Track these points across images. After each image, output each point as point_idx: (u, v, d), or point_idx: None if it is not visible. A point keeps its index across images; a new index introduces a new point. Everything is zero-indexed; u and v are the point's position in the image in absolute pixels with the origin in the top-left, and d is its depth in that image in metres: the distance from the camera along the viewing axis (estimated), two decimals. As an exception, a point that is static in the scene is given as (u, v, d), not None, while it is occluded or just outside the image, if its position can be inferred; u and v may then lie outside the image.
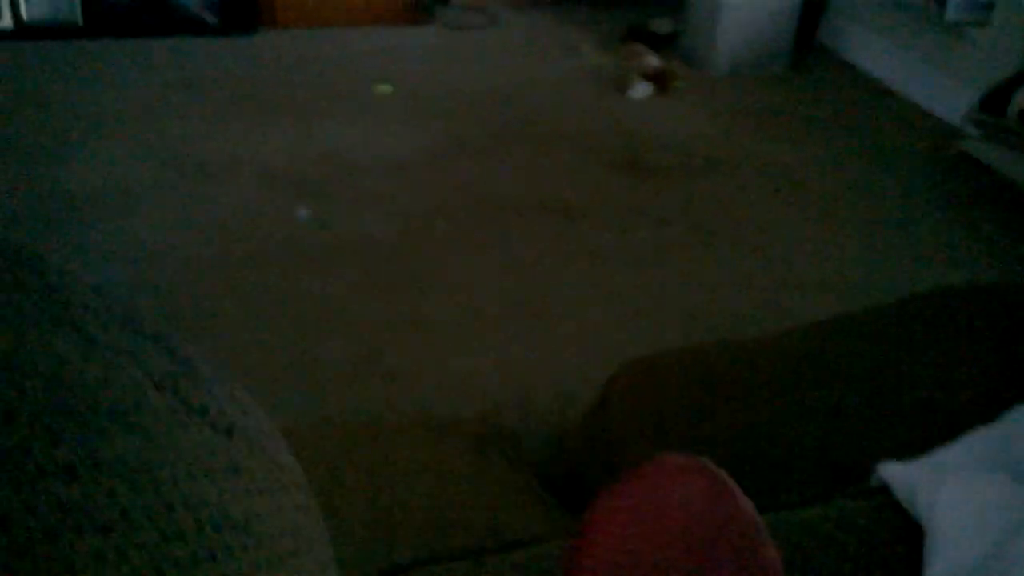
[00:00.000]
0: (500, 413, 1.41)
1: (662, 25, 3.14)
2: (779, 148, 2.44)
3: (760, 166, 2.34)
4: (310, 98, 2.55)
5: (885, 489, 0.72)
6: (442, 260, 1.86)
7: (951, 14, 2.58)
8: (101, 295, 0.31)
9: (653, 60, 2.88)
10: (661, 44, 3.05)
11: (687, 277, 1.86)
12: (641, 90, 2.69)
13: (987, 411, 0.98)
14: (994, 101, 2.23)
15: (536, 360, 1.58)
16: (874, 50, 2.99)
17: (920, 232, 2.07)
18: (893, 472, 0.71)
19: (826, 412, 1.14)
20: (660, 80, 2.74)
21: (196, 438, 0.30)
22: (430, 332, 1.63)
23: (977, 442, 0.74)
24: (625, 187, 2.19)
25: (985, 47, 2.52)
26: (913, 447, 1.04)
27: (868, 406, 1.15)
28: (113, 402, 0.28)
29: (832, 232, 2.06)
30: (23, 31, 2.85)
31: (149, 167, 2.14)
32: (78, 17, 2.90)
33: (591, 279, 1.83)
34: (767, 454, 1.05)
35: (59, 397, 0.26)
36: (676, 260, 1.91)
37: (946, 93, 2.64)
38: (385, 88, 2.63)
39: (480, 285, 1.79)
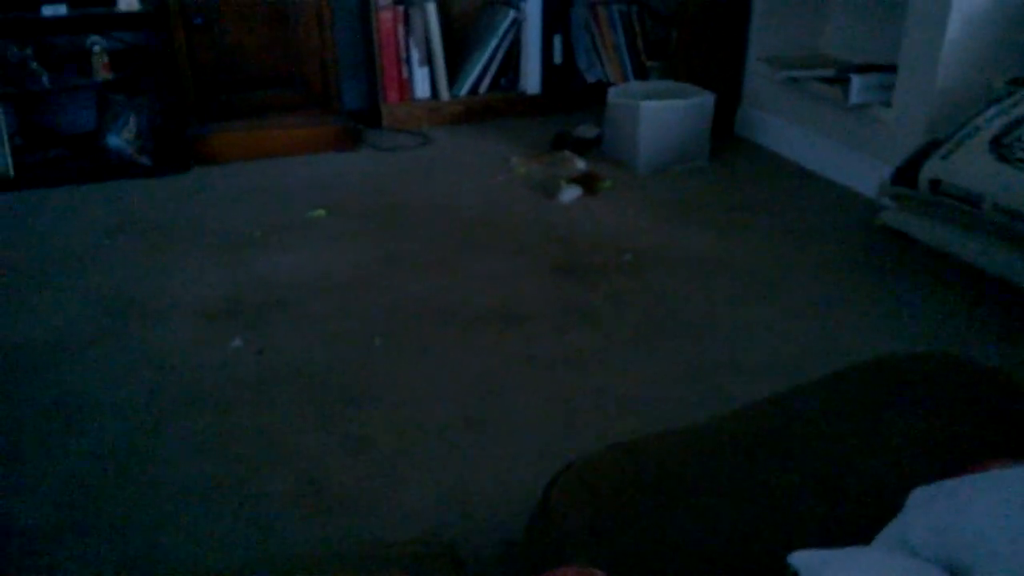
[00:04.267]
0: (442, 530, 1.37)
1: (586, 130, 3.26)
2: (706, 237, 2.50)
3: (690, 256, 2.39)
4: (245, 229, 2.57)
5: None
6: (381, 378, 1.85)
7: (854, 98, 2.72)
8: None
9: (580, 164, 2.98)
10: (587, 148, 3.15)
11: (626, 372, 1.86)
12: (570, 194, 2.76)
13: (926, 482, 0.98)
14: (906, 174, 2.33)
15: (480, 471, 1.56)
16: (789, 136, 3.12)
17: (851, 305, 2.12)
18: (802, 559, 0.71)
19: (767, 495, 1.13)
20: (588, 183, 2.82)
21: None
22: (370, 454, 1.60)
23: (882, 537, 0.75)
24: (561, 289, 2.22)
25: (891, 125, 2.65)
26: (854, 525, 1.04)
27: (810, 486, 1.14)
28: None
29: (765, 313, 2.09)
30: (-47, 189, 2.87)
31: (84, 314, 2.11)
32: (10, 170, 2.92)
33: (533, 383, 1.83)
34: (705, 545, 1.03)
35: None
36: (614, 356, 1.92)
37: (862, 170, 2.75)
38: (320, 213, 2.66)
39: (420, 400, 1.77)
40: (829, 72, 2.88)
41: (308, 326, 2.05)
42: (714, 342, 1.98)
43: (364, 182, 2.94)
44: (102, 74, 2.97)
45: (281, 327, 2.05)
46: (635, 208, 2.71)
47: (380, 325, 2.05)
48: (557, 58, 3.61)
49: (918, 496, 0.85)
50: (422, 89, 3.50)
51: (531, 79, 3.59)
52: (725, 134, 3.27)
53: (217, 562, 1.37)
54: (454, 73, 3.56)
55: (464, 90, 3.56)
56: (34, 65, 2.94)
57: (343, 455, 1.60)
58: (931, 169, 2.20)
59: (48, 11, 2.84)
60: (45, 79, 2.93)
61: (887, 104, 2.67)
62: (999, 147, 2.10)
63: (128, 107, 3.06)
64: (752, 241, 2.47)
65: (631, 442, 1.28)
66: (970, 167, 2.11)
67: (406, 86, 3.48)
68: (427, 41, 3.44)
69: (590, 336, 2.00)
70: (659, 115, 2.96)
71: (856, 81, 2.71)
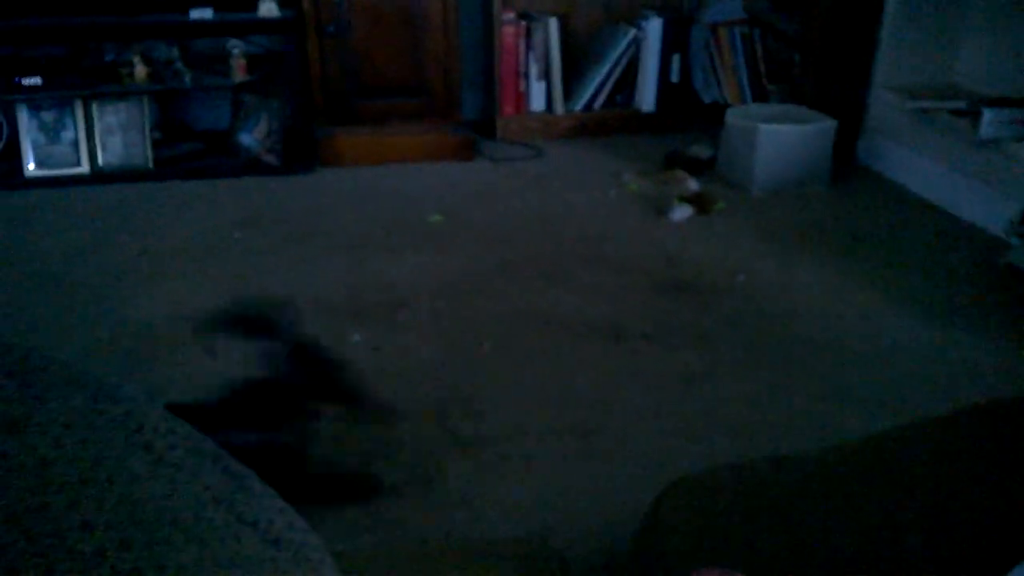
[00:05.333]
0: (548, 536, 1.40)
1: (700, 150, 3.24)
2: (822, 264, 2.46)
3: (803, 282, 2.36)
4: (366, 230, 2.67)
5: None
6: (491, 381, 1.90)
7: (985, 131, 2.63)
8: (168, 420, 0.36)
9: (692, 184, 2.97)
10: (700, 168, 3.14)
11: (735, 394, 1.86)
12: (681, 213, 2.76)
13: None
14: (1036, 213, 2.25)
15: (586, 481, 1.58)
16: (913, 167, 3.03)
17: (970, 345, 2.05)
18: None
19: (880, 528, 1.12)
20: (700, 203, 2.82)
21: (248, 548, 0.34)
22: (479, 454, 1.65)
23: None
24: (670, 307, 2.22)
25: (1022, 161, 2.55)
26: (967, 564, 1.02)
27: (923, 521, 1.13)
28: (176, 514, 0.31)
29: (880, 346, 2.05)
30: (98, 176, 3.07)
31: (211, 303, 2.24)
32: (149, 162, 3.12)
33: (639, 398, 1.84)
34: (818, 572, 1.03)
35: (130, 509, 0.30)
36: (723, 378, 1.92)
37: (988, 206, 2.66)
38: (437, 218, 2.74)
39: (528, 405, 1.81)
40: (959, 104, 2.79)
41: (423, 326, 2.12)
42: (826, 370, 1.95)
43: (479, 191, 3.01)
44: (238, 76, 3.14)
45: (397, 326, 2.12)
46: (748, 231, 2.69)
47: (490, 330, 2.10)
48: (674, 77, 3.61)
49: None
50: (538, 103, 3.56)
51: (647, 97, 3.60)
52: (846, 162, 3.20)
53: (332, 549, 1.44)
54: (570, 88, 3.60)
55: (579, 105, 3.60)
56: (179, 65, 3.13)
57: (453, 453, 1.66)
58: (1067, 209, 2.11)
59: (195, 15, 3.03)
60: (188, 78, 3.11)
61: (1020, 139, 2.58)
62: None
63: (260, 108, 3.23)
64: (869, 272, 2.42)
65: (742, 463, 1.29)
66: (1111, 209, 2.02)
67: (522, 99, 3.54)
68: (546, 56, 3.50)
69: (699, 355, 2.00)
70: (778, 139, 2.92)
71: (988, 114, 2.62)
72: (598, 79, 3.57)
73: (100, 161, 3.10)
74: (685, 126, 3.62)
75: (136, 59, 3.06)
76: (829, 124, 2.97)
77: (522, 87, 3.53)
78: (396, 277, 2.38)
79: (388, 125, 3.27)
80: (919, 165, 3.00)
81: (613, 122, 3.62)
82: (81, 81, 3.05)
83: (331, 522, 1.48)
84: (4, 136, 3.13)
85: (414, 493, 1.54)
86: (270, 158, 3.18)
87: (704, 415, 1.78)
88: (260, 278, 2.37)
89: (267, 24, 3.09)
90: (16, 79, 2.93)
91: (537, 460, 1.64)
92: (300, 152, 3.18)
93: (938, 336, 2.09)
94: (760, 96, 3.59)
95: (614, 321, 2.15)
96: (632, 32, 3.52)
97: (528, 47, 3.48)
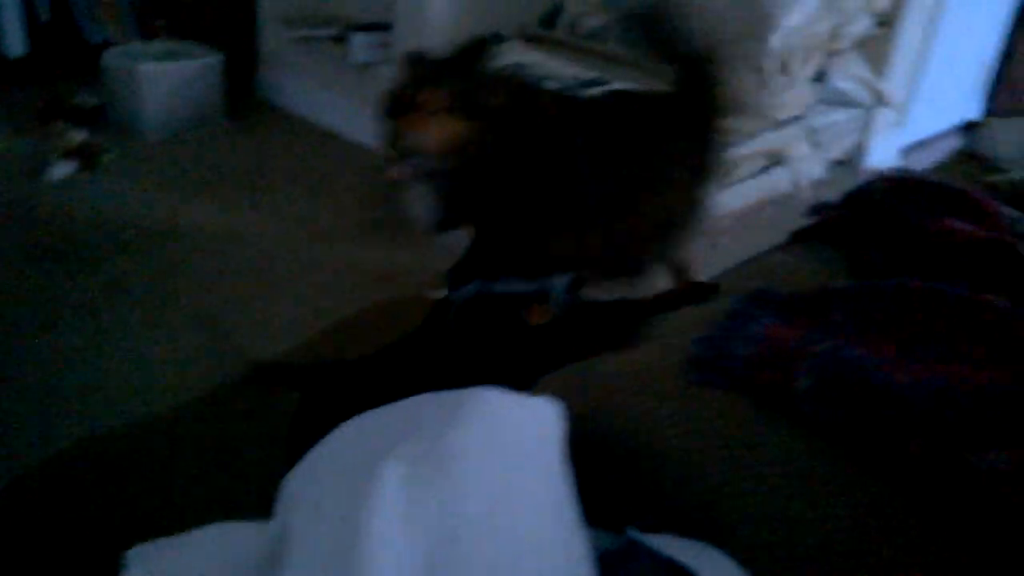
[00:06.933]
0: None
1: (86, 98, 2.93)
2: (222, 205, 2.41)
3: (201, 227, 2.28)
4: None
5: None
6: None
7: (355, 57, 2.78)
8: None
9: (76, 135, 2.67)
10: (87, 118, 2.84)
11: (123, 362, 1.72)
12: (63, 169, 2.47)
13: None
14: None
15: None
16: (305, 95, 3.12)
17: (366, 258, 2.17)
18: (137, 553, 0.68)
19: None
20: (86, 156, 2.55)
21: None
22: None
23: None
24: (47, 278, 1.98)
25: (389, 82, 2.75)
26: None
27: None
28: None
29: (277, 281, 2.07)
30: None
31: None
32: None
33: (19, 390, 1.61)
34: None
35: None
36: (111, 348, 1.76)
37: (370, 127, 2.83)
38: None
39: None
40: (333, 31, 2.91)
41: None
42: (216, 315, 1.91)
43: None
44: None
45: None
46: (142, 181, 2.51)
47: None
48: (44, 15, 3.18)
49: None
50: None
51: (13, 39, 3.13)
52: (245, 96, 3.17)
53: None
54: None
55: (-75, 54, 2.99)
56: None
57: None
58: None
59: None
60: None
61: (387, 61, 2.77)
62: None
63: None
64: (269, 205, 2.43)
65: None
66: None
67: None
68: None
69: (82, 329, 1.81)
70: (161, 78, 2.76)
71: (356, 39, 2.77)
72: (-56, 21, 3.00)
73: None
74: (71, 71, 3.24)
75: None
76: (215, 59, 2.89)
77: None
78: None
79: None
80: (309, 93, 3.09)
81: (-25, 71, 3.08)
82: None
83: None
84: None
85: None
86: None
87: (81, 391, 1.62)
88: None
89: None
90: None
91: None
92: None
93: (338, 253, 2.18)
94: (149, 34, 3.35)
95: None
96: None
97: None
